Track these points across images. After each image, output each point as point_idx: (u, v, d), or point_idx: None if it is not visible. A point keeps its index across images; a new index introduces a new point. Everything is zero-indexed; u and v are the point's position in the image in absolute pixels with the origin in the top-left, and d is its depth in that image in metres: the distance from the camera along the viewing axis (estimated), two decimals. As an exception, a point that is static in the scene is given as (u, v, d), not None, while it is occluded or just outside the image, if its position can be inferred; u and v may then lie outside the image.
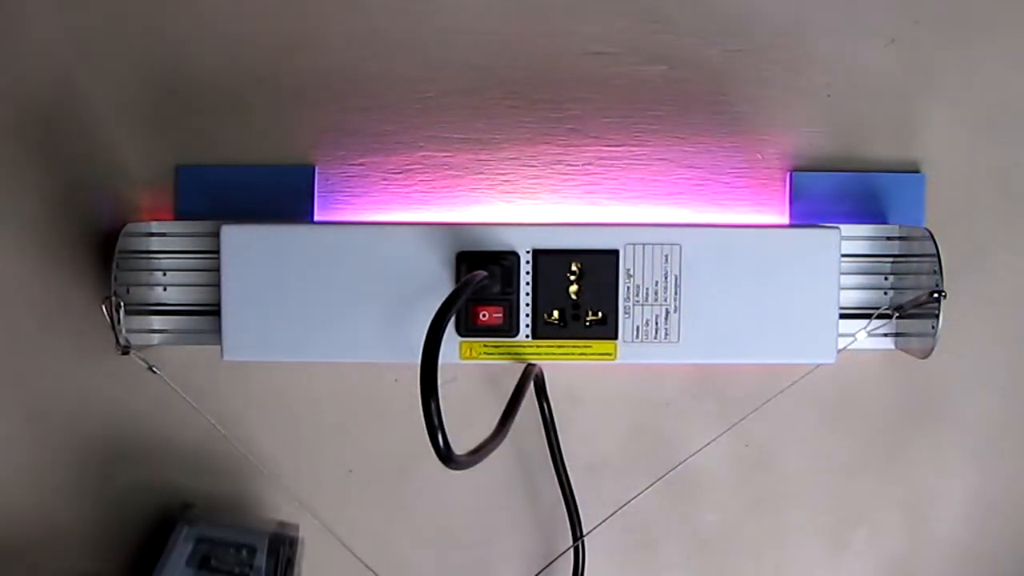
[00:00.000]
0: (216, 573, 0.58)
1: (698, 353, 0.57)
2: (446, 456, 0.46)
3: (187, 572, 0.58)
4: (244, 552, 0.59)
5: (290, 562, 0.60)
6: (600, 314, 0.56)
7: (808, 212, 0.61)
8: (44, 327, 0.60)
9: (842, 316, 0.57)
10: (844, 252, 0.57)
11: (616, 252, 0.56)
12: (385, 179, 0.61)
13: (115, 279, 0.56)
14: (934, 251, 0.56)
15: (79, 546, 0.61)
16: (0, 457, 0.61)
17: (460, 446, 0.47)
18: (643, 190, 0.61)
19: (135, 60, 0.60)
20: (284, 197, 0.60)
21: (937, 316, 0.56)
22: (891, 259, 0.60)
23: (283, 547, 0.60)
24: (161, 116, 0.60)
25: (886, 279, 0.60)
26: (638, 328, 0.56)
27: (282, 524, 0.61)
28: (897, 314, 0.58)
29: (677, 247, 0.56)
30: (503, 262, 0.55)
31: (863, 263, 0.60)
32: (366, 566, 0.61)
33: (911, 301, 0.57)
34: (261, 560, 0.59)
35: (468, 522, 0.62)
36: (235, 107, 0.60)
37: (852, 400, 0.62)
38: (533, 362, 0.58)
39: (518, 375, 0.57)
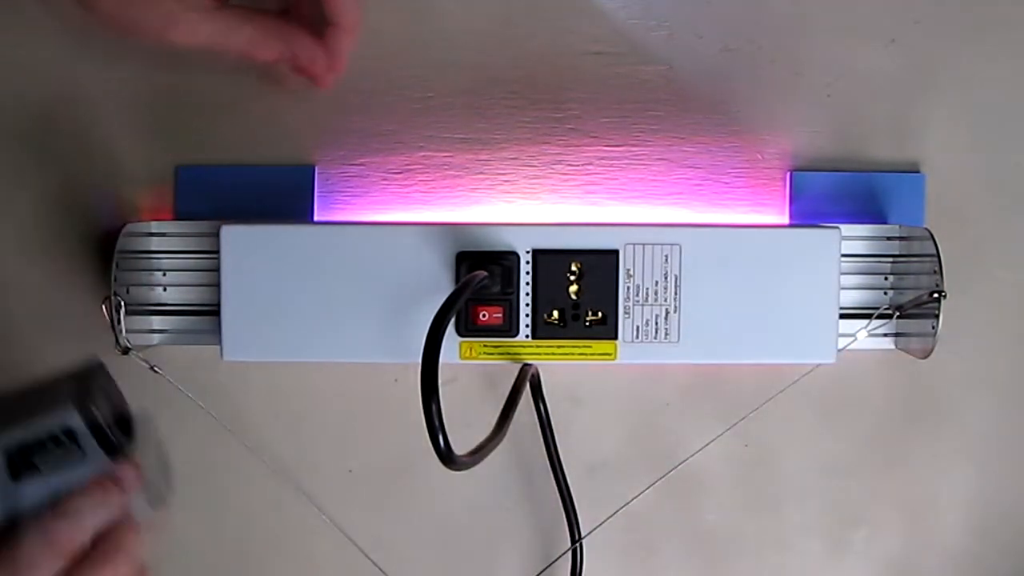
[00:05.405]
0: (47, 474, 0.48)
1: (698, 353, 0.57)
2: (447, 456, 0.46)
3: (13, 488, 0.48)
4: (64, 436, 0.48)
5: (116, 407, 0.51)
6: (600, 314, 0.56)
7: (808, 212, 0.61)
8: (44, 327, 0.60)
9: (842, 316, 0.57)
10: (844, 252, 0.57)
11: (616, 252, 0.56)
12: (385, 179, 0.61)
13: (115, 279, 0.56)
14: (934, 251, 0.56)
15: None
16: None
17: (460, 446, 0.47)
18: (643, 190, 0.61)
19: (135, 60, 0.60)
20: (284, 197, 0.60)
21: (937, 316, 0.56)
22: (891, 259, 0.60)
23: (99, 402, 0.49)
24: (161, 116, 0.60)
25: (886, 279, 0.60)
26: (638, 328, 0.56)
27: (76, 375, 0.50)
28: (897, 314, 0.58)
29: (677, 247, 0.56)
30: (503, 262, 0.55)
31: (863, 263, 0.60)
32: (375, 564, 0.61)
33: (911, 301, 0.57)
34: (87, 435, 0.48)
35: (468, 522, 0.62)
36: (235, 107, 0.60)
37: (852, 400, 0.62)
38: (529, 363, 0.58)
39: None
